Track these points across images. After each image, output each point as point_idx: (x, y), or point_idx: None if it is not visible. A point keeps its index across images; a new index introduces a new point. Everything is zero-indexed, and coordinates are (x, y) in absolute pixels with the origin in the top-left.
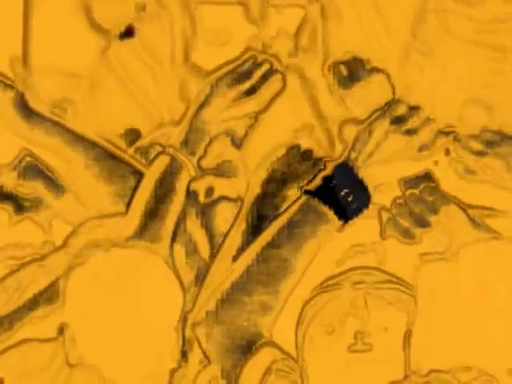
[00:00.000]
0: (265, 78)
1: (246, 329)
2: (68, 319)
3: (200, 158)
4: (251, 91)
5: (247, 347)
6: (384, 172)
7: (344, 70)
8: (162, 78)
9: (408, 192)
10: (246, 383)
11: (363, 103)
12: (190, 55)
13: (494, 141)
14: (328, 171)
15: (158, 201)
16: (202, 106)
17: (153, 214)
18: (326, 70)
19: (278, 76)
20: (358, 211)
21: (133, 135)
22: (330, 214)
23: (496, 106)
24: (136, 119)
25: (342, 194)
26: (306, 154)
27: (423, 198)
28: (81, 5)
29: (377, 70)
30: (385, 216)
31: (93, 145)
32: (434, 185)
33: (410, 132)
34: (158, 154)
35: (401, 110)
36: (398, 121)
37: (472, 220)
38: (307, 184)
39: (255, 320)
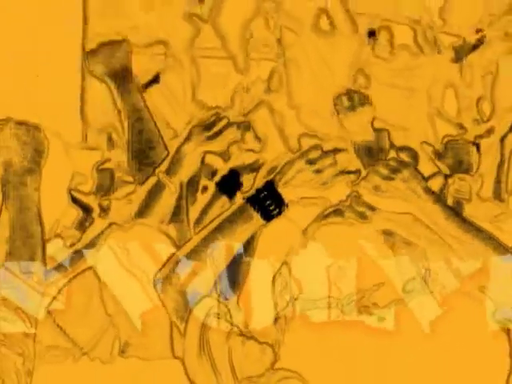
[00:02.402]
0: (223, 128)
1: (189, 288)
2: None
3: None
4: (214, 136)
5: (191, 301)
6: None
7: (346, 101)
8: (179, 111)
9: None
10: (192, 327)
11: (358, 126)
12: (197, 94)
13: (396, 168)
14: (260, 185)
15: (148, 203)
16: (182, 144)
17: (145, 209)
18: (290, 103)
19: (234, 127)
20: (276, 215)
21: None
22: (256, 215)
23: (408, 131)
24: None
25: (267, 202)
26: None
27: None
28: None
29: (368, 103)
30: (343, 205)
31: None
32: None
33: (317, 171)
34: (150, 175)
35: (314, 154)
36: (311, 162)
37: None
38: (246, 193)
39: (197, 281)
